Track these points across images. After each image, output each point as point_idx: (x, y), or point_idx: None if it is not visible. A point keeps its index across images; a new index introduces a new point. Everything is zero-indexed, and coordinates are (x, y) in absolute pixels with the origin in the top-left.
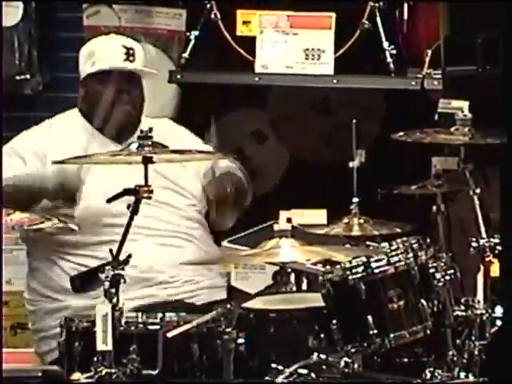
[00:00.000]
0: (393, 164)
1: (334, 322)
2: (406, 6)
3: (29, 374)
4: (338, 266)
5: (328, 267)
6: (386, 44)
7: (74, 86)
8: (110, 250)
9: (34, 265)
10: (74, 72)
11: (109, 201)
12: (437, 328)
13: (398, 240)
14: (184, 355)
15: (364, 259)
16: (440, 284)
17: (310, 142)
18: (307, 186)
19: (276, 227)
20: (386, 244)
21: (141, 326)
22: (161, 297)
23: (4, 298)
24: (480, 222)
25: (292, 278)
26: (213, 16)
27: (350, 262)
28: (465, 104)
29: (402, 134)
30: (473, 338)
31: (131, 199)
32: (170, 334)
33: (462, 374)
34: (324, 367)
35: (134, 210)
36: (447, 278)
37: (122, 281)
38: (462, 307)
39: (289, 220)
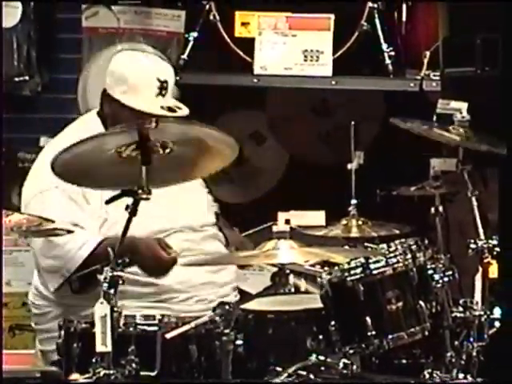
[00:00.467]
0: (391, 165)
1: (333, 323)
2: (404, 7)
3: (27, 375)
4: (336, 268)
5: (326, 268)
6: (384, 45)
7: (73, 87)
8: (112, 249)
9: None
10: (72, 73)
11: (107, 202)
12: (435, 329)
13: (397, 241)
14: (182, 356)
15: (362, 260)
16: (438, 285)
17: (309, 143)
18: (306, 188)
19: (274, 229)
20: (384, 245)
21: (139, 327)
22: (172, 310)
23: (3, 300)
24: (478, 223)
25: (291, 279)
26: (211, 17)
27: (349, 263)
28: (463, 105)
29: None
30: (471, 339)
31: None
32: (168, 336)
33: (461, 375)
34: (322, 368)
35: (133, 211)
36: (445, 279)
37: (120, 282)
38: (461, 308)
39: (287, 221)
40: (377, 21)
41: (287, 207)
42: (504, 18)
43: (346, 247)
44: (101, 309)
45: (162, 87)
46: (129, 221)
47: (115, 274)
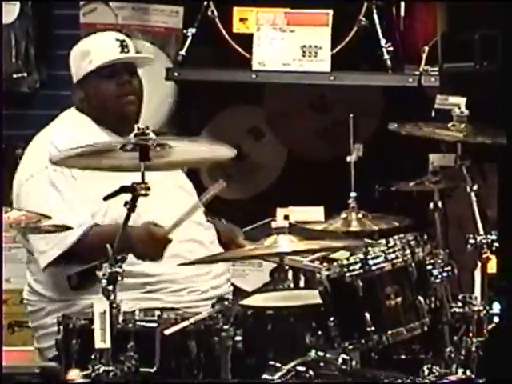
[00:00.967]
0: (390, 161)
1: (332, 319)
2: (402, 3)
3: (27, 370)
4: (335, 263)
5: (325, 264)
6: (383, 41)
7: (71, 84)
8: (111, 246)
9: (36, 268)
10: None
11: (106, 198)
12: (434, 325)
13: (396, 237)
14: (181, 352)
15: (361, 256)
16: (437, 281)
17: (307, 138)
18: (304, 183)
19: (273, 224)
20: (383, 241)
21: (138, 323)
22: (163, 301)
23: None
24: (477, 218)
25: (290, 275)
26: (210, 13)
27: (348, 259)
28: (462, 100)
29: (396, 125)
30: (470, 334)
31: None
32: (167, 332)
33: (460, 371)
34: (322, 364)
35: (131, 207)
36: (444, 274)
37: (119, 278)
38: (460, 304)
39: (286, 217)
40: (375, 16)
41: (286, 203)
42: (503, 14)
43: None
44: (100, 305)
45: (123, 45)
46: (127, 217)
47: (114, 270)
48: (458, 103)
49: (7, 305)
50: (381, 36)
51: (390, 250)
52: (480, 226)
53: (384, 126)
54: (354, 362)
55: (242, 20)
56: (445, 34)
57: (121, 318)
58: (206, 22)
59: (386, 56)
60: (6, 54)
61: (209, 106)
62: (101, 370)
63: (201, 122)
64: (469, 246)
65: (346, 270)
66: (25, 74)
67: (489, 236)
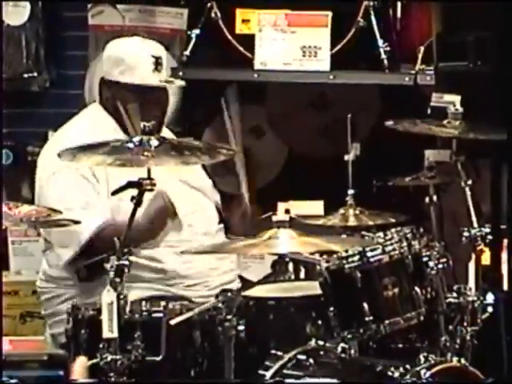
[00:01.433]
0: (387, 157)
1: (331, 309)
2: (399, 4)
3: (36, 358)
4: (334, 256)
5: (325, 256)
6: (380, 41)
7: (80, 83)
8: (118, 238)
9: (54, 255)
10: (79, 69)
11: (113, 193)
12: (430, 314)
13: (393, 230)
14: (186, 342)
15: (360, 248)
16: (433, 272)
17: (308, 136)
18: (305, 179)
19: (274, 218)
20: (380, 234)
21: (145, 314)
22: (178, 295)
23: (14, 288)
24: (471, 212)
25: (290, 267)
26: (213, 15)
27: (346, 251)
28: (456, 98)
29: (392, 122)
30: (465, 323)
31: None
32: (172, 322)
33: (455, 359)
34: (321, 353)
35: (138, 202)
36: (440, 266)
37: (126, 270)
38: (455, 294)
39: (287, 211)
40: (373, 17)
41: (287, 197)
42: (497, 16)
43: (344, 236)
44: (108, 296)
45: (157, 63)
46: (134, 211)
47: (121, 262)
48: (452, 101)
49: (19, 296)
50: (378, 36)
51: (388, 243)
52: (474, 219)
53: (381, 124)
54: (352, 351)
55: (244, 21)
56: (440, 35)
57: (128, 309)
58: (209, 23)
59: (383, 56)
60: (17, 54)
61: (212, 105)
62: (108, 359)
63: (204, 121)
64: (463, 238)
65: (345, 261)
66: (35, 74)
67: (482, 229)
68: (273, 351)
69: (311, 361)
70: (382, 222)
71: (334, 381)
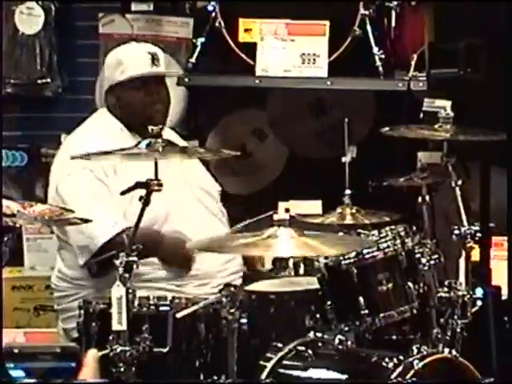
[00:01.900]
0: (382, 158)
1: (329, 303)
2: (393, 14)
3: (49, 350)
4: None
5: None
6: (375, 49)
7: (91, 89)
8: (127, 235)
9: (68, 254)
10: (90, 76)
11: (122, 193)
12: (422, 308)
13: (387, 228)
14: (192, 334)
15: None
16: (425, 268)
17: (307, 139)
18: (304, 179)
19: (275, 216)
20: (375, 232)
21: (152, 307)
22: (185, 293)
23: (28, 283)
24: (461, 211)
25: (290, 263)
26: (217, 24)
27: None
28: (447, 103)
29: (388, 128)
30: (455, 317)
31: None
32: (178, 315)
33: (446, 350)
34: (320, 344)
35: (146, 202)
36: (432, 262)
37: (134, 267)
38: (446, 289)
39: (287, 210)
40: (368, 27)
41: (287, 197)
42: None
43: (341, 234)
44: (117, 291)
45: (154, 58)
46: (142, 211)
47: (130, 259)
48: (443, 106)
49: (33, 290)
50: (373, 45)
51: (382, 240)
52: (464, 217)
53: (377, 127)
54: (349, 343)
55: (246, 30)
56: (432, 43)
57: (136, 303)
58: (213, 32)
59: (378, 63)
60: (31, 61)
61: (216, 109)
62: (118, 350)
63: (209, 124)
64: (454, 236)
65: (341, 258)
66: (48, 80)
67: (472, 227)
68: (274, 343)
69: (310, 352)
70: (377, 221)
71: (332, 372)
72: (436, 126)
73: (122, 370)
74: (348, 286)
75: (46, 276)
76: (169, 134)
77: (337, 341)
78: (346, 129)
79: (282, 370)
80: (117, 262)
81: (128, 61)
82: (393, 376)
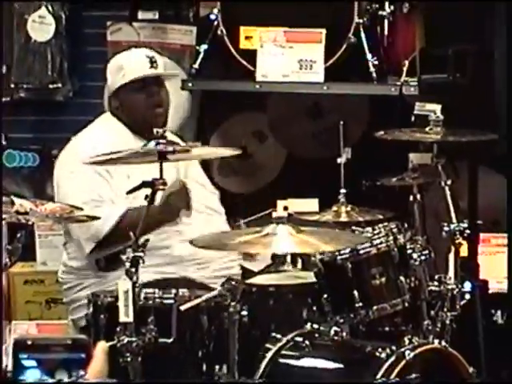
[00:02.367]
0: (375, 160)
1: (325, 296)
2: (386, 22)
3: (60, 342)
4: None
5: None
6: (369, 56)
7: (100, 93)
8: (134, 234)
9: (73, 248)
10: (99, 81)
11: (128, 193)
12: (414, 301)
13: (380, 225)
14: (195, 325)
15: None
16: (416, 263)
17: (304, 140)
18: (301, 179)
19: (274, 214)
20: (369, 228)
21: (157, 300)
22: (176, 274)
23: (40, 277)
24: (451, 209)
25: (288, 258)
26: (219, 32)
27: None
28: (437, 107)
29: (382, 132)
30: (445, 309)
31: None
32: (182, 308)
33: (436, 341)
34: (316, 335)
35: (151, 200)
36: (422, 257)
37: (140, 261)
38: (436, 283)
39: (285, 208)
40: (362, 34)
41: (285, 196)
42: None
43: (337, 230)
44: (124, 285)
45: (152, 61)
46: (147, 209)
47: (136, 254)
48: (434, 109)
49: (44, 284)
50: (367, 51)
51: (376, 237)
52: (453, 215)
53: (370, 130)
54: (344, 334)
55: (247, 38)
56: (423, 50)
57: (142, 296)
58: (216, 39)
59: (372, 69)
60: (43, 67)
61: (218, 113)
62: (125, 341)
63: (212, 127)
64: (443, 233)
65: (337, 253)
66: (59, 85)
67: (461, 224)
68: (273, 334)
69: (307, 342)
70: (370, 218)
71: (327, 362)
72: (427, 129)
73: (129, 359)
74: (343, 280)
75: (57, 271)
76: (170, 136)
77: (332, 332)
78: (341, 131)
79: (280, 360)
80: (124, 257)
81: (128, 65)
82: (385, 365)
